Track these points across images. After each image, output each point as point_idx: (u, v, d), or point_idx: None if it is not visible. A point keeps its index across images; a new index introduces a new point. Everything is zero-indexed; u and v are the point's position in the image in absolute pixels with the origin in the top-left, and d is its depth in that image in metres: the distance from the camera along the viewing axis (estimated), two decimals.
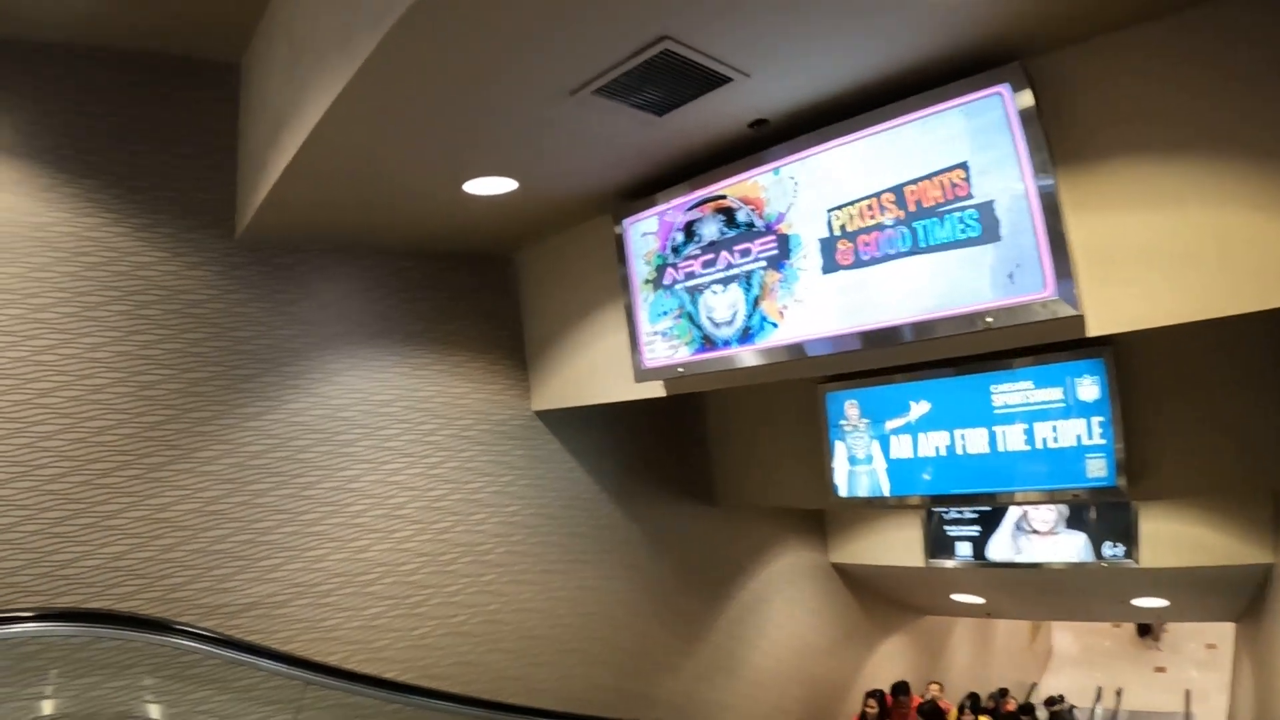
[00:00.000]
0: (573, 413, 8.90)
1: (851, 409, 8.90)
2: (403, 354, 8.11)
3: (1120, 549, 9.64)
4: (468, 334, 8.51)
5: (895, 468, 8.71)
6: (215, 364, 7.01)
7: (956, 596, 12.25)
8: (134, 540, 6.40)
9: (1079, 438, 7.76)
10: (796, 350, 5.93)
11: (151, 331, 6.70)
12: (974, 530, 10.32)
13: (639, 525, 9.57)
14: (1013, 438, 8.05)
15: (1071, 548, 9.89)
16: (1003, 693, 12.97)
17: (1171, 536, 9.43)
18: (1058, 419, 7.83)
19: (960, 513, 10.35)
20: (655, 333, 7.00)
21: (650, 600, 9.58)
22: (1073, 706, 16.04)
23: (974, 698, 11.70)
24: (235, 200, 7.15)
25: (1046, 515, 10.02)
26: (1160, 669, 20.29)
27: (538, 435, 8.81)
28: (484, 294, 8.67)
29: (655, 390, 7.38)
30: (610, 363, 7.66)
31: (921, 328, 5.24)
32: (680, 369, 6.82)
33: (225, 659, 6.28)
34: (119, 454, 6.44)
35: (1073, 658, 21.97)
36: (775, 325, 6.02)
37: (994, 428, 8.14)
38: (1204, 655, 19.82)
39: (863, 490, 8.95)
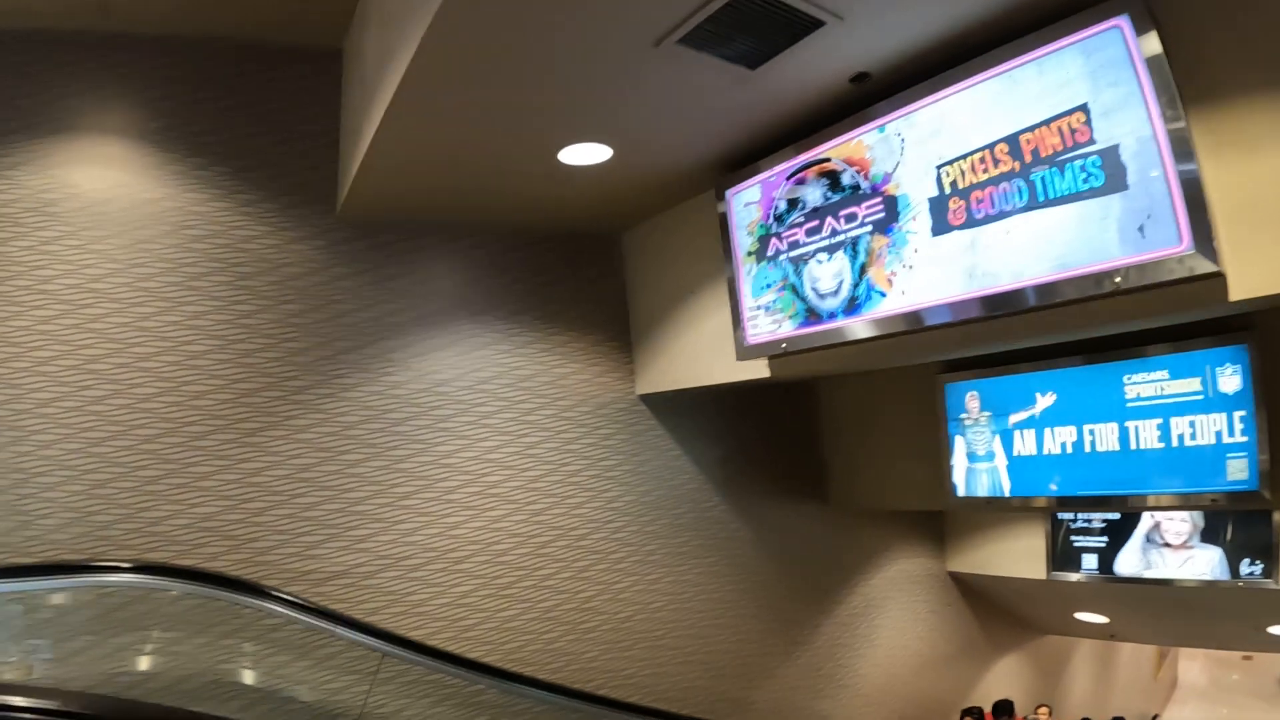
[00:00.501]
0: (679, 399, 8.24)
1: (972, 401, 8.00)
2: (504, 332, 7.61)
3: (1259, 567, 8.44)
4: (571, 314, 7.95)
5: (1018, 466, 7.75)
6: (314, 335, 6.77)
7: (1079, 615, 11.08)
8: (225, 502, 6.24)
9: (1219, 435, 6.69)
10: (908, 320, 5.16)
11: (251, 301, 6.54)
12: (1101, 541, 9.22)
13: (744, 521, 8.78)
14: (1146, 434, 7.03)
15: (1205, 564, 8.74)
16: None
17: None
18: (1196, 413, 6.78)
19: (1088, 521, 9.27)
20: (758, 307, 6.31)
21: (752, 600, 8.78)
22: None
23: None
24: (337, 179, 6.87)
25: (1180, 527, 8.87)
26: None
27: (641, 420, 8.16)
28: (589, 274, 8.09)
29: (759, 370, 6.66)
30: (714, 343, 6.97)
31: (1044, 290, 4.43)
32: (784, 344, 6.12)
33: (306, 625, 6.06)
34: (215, 418, 6.30)
35: (1199, 690, 19.96)
36: (883, 294, 5.31)
37: (1126, 423, 7.12)
38: None
39: (982, 490, 8.01)
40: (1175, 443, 6.86)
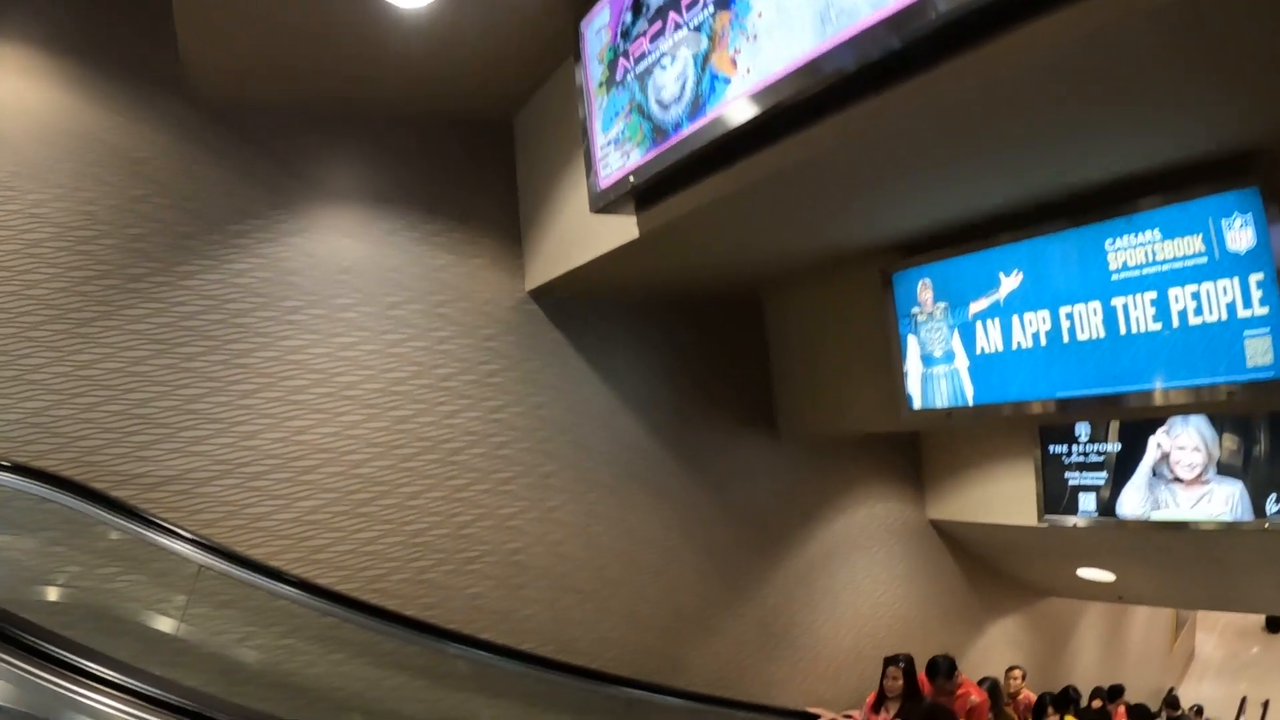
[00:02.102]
0: (588, 305, 6.07)
1: (925, 291, 5.53)
2: (370, 218, 5.50)
3: None
4: (451, 202, 5.72)
5: (982, 366, 5.27)
6: (155, 220, 5.02)
7: (1082, 572, 8.40)
8: (55, 396, 4.68)
9: (1231, 307, 4.22)
10: (757, 102, 3.31)
11: (94, 189, 4.88)
12: (1100, 478, 6.64)
13: (673, 450, 6.44)
14: (1138, 314, 4.54)
15: (1224, 501, 6.11)
16: (1114, 693, 8.68)
17: None
18: (1200, 281, 4.31)
19: (1084, 455, 6.68)
20: (608, 143, 4.23)
21: (686, 542, 6.44)
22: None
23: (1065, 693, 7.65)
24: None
25: (1193, 458, 6.26)
26: None
27: (533, 322, 5.91)
28: (473, 160, 5.83)
29: (626, 232, 4.58)
30: (584, 213, 4.69)
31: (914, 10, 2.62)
32: (631, 177, 4.05)
33: (134, 535, 4.52)
34: (48, 308, 4.73)
35: (1217, 664, 16.30)
36: (727, 80, 3.46)
37: (1112, 301, 4.64)
38: None
39: (942, 400, 5.51)
40: (1176, 322, 4.40)
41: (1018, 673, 6.94)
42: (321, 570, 5.03)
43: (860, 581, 7.38)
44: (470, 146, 5.76)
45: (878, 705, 5.20)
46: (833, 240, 5.29)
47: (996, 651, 8.59)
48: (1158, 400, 4.60)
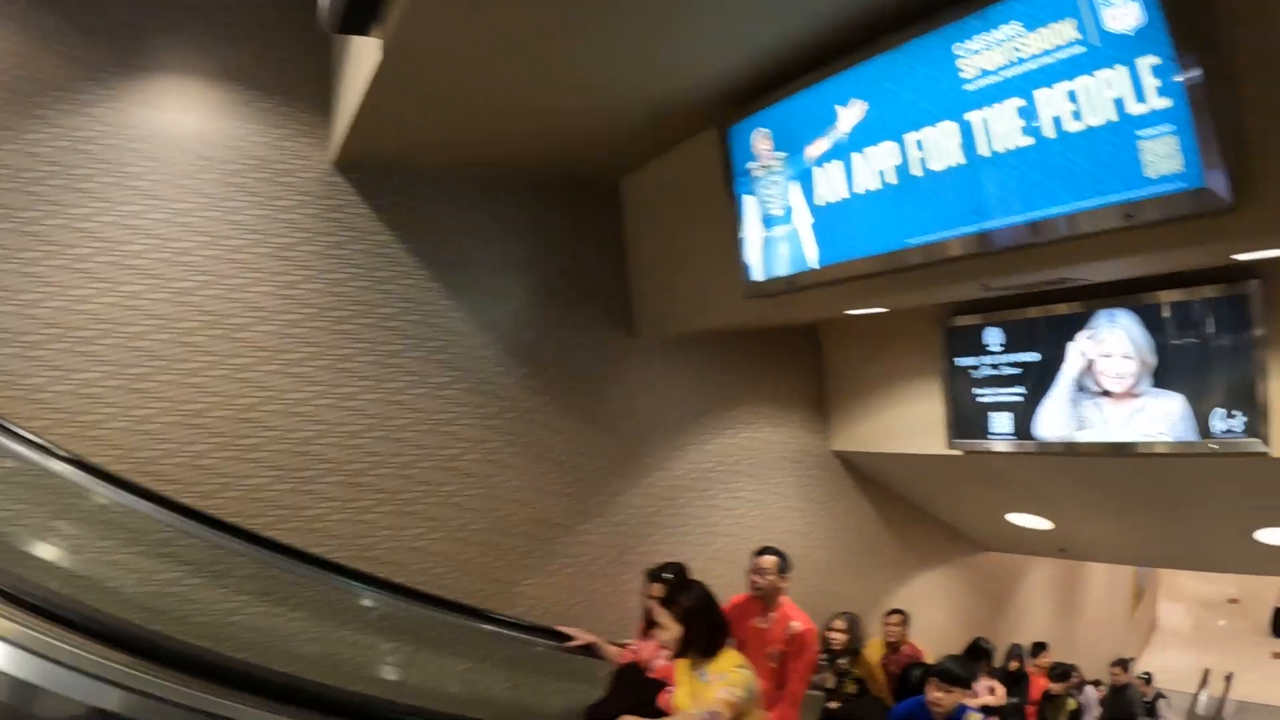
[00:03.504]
0: (402, 177, 4.67)
1: (762, 142, 4.04)
2: (171, 88, 4.25)
3: (1238, 420, 4.20)
4: (254, 70, 4.40)
5: (825, 219, 3.81)
6: None
7: (1014, 518, 6.72)
8: None
9: (1119, 104, 2.80)
10: None
11: None
12: (1015, 394, 5.03)
13: (506, 342, 4.98)
14: (1001, 128, 3.10)
15: (1162, 418, 4.47)
16: (1036, 648, 6.89)
17: None
18: (1075, 76, 2.89)
19: (996, 367, 5.06)
20: None
21: (517, 450, 4.95)
22: (1159, 693, 8.81)
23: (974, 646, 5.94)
24: None
25: (1122, 366, 4.63)
26: None
27: (339, 194, 4.54)
28: (288, 31, 4.45)
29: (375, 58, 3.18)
30: (364, 59, 3.47)
31: None
32: None
33: None
34: None
35: (1182, 635, 13.89)
36: None
37: (967, 116, 3.20)
38: None
39: (782, 267, 4.05)
40: (1050, 132, 2.99)
41: (896, 618, 5.23)
42: (95, 447, 3.80)
43: (745, 512, 5.78)
44: (281, 14, 4.45)
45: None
46: (638, 86, 3.89)
47: (925, 608, 6.89)
48: (1034, 235, 3.11)
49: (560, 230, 5.20)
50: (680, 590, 2.86)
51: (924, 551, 7.01)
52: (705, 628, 2.76)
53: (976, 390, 5.14)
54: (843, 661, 4.76)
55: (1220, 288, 4.14)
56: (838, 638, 4.76)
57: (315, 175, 4.42)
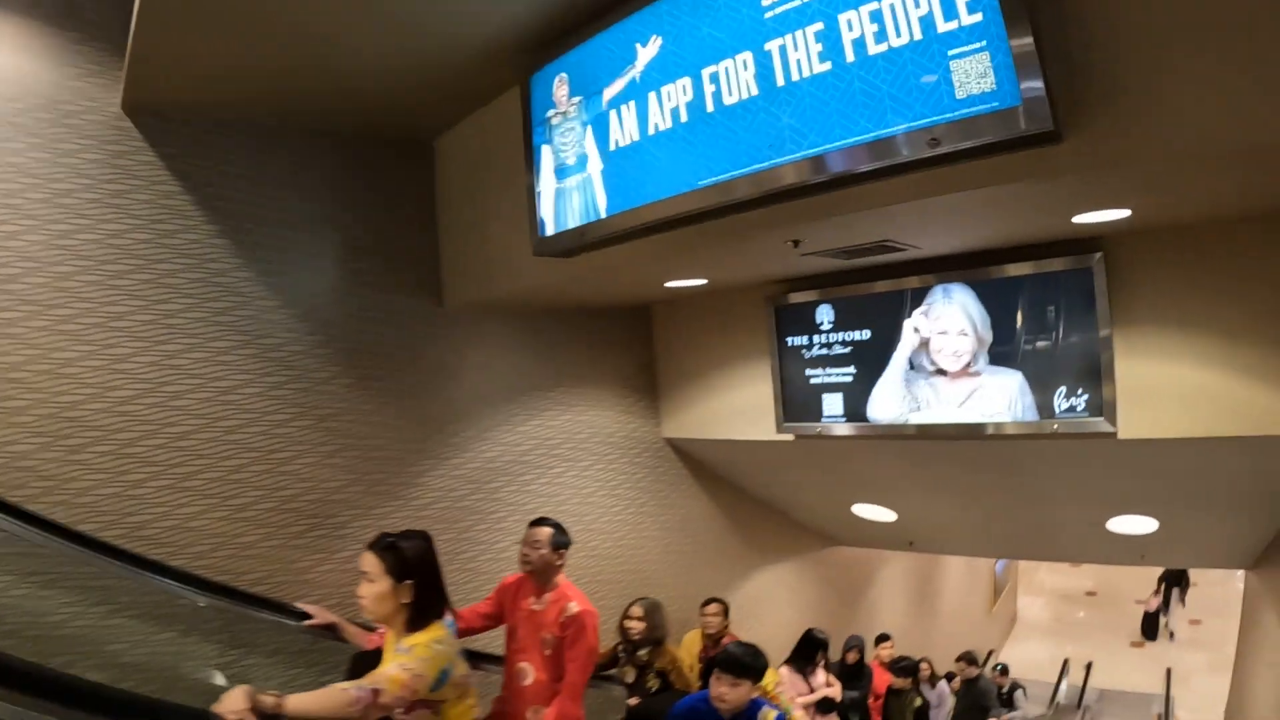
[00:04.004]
0: (201, 126, 3.78)
1: (560, 88, 3.33)
2: None
3: (1082, 399, 3.76)
4: None
5: (616, 164, 3.14)
6: None
7: (859, 510, 6.23)
8: None
9: (926, 22, 2.25)
10: None
11: None
12: (847, 374, 4.49)
13: (303, 307, 4.09)
14: (800, 55, 2.50)
15: (1000, 397, 3.99)
16: (878, 640, 6.69)
17: (1174, 380, 3.52)
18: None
19: (828, 346, 4.51)
20: None
21: (311, 424, 4.10)
22: (1016, 683, 8.60)
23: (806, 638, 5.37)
24: None
25: (959, 344, 4.13)
26: (1138, 644, 12.55)
27: (129, 140, 3.63)
28: None
29: None
30: None
31: None
32: None
33: None
34: None
35: (1043, 627, 13.89)
36: None
37: (766, 46, 2.58)
38: (1186, 632, 12.40)
39: (573, 218, 3.36)
40: (850, 55, 2.43)
41: (714, 608, 4.69)
42: None
43: (566, 499, 5.04)
44: None
45: None
46: (439, 28, 3.15)
47: (773, 606, 6.39)
48: (833, 168, 2.49)
49: (367, 191, 4.37)
50: (400, 538, 2.32)
51: (770, 546, 6.46)
52: (419, 589, 2.25)
53: (809, 371, 4.56)
54: (643, 654, 4.17)
55: (1062, 261, 3.69)
56: (635, 626, 4.17)
57: (103, 119, 3.48)
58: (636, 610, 4.21)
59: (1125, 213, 3.04)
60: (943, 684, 6.75)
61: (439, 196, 4.58)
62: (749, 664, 2.85)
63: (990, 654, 11.37)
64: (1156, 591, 12.59)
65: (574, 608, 3.13)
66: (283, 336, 4.03)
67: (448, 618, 2.38)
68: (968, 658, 6.85)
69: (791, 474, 5.50)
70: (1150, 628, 12.57)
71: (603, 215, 3.14)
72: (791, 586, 6.69)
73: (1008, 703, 8.43)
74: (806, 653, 5.00)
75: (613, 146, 3.09)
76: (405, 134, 4.46)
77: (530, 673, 3.19)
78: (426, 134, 4.54)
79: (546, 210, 3.40)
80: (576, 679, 3.09)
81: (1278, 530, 4.54)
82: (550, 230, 3.39)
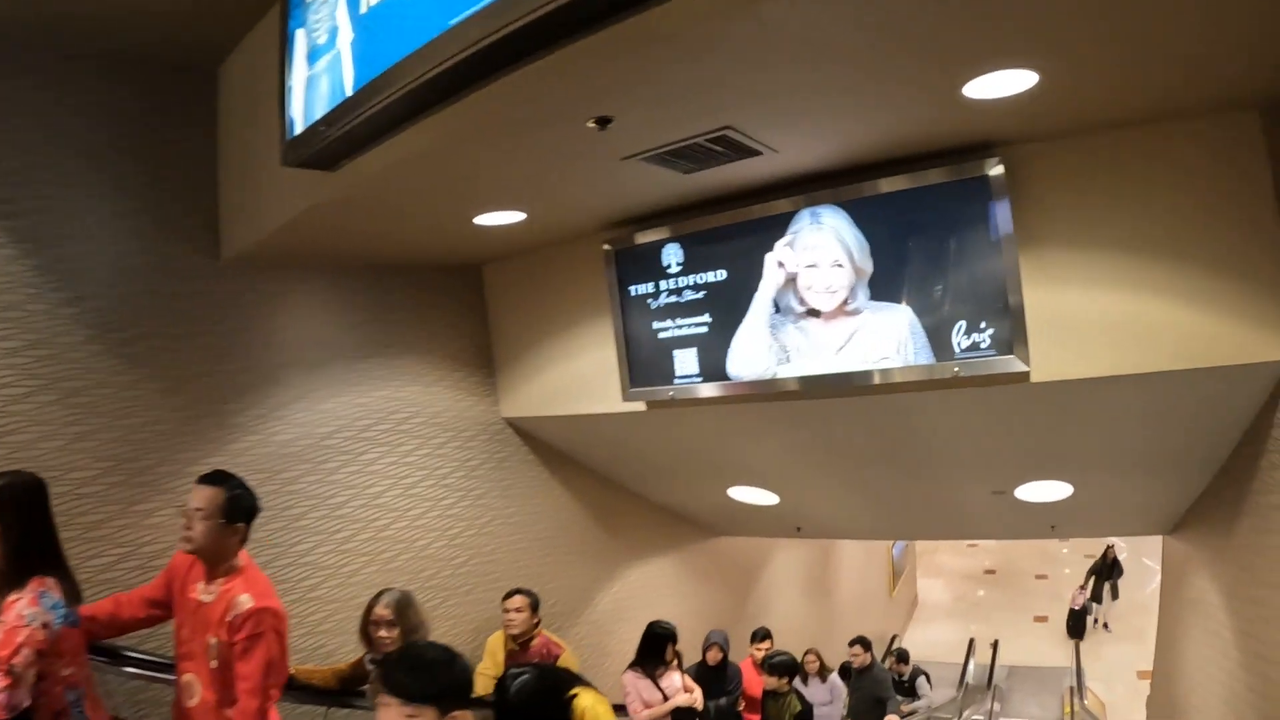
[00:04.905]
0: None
1: None
2: None
3: (985, 336, 3.06)
4: None
5: (366, 28, 2.16)
6: None
7: (736, 493, 5.47)
8: None
9: None
10: None
11: None
12: (700, 324, 3.67)
13: (48, 256, 3.03)
14: None
15: (888, 338, 3.26)
16: (757, 635, 5.81)
17: (1097, 309, 2.87)
18: None
19: (677, 294, 3.65)
20: None
21: (63, 402, 3.04)
22: (918, 669, 8.00)
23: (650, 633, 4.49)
24: None
25: (833, 277, 3.36)
26: (1041, 618, 12.35)
27: None
28: None
29: None
30: None
31: None
32: None
33: None
34: None
35: (944, 609, 13.55)
36: None
37: None
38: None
39: (320, 105, 2.39)
40: None
41: (518, 601, 3.70)
42: None
43: (382, 491, 4.02)
44: None
45: None
46: None
47: (652, 603, 5.54)
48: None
49: (140, 122, 3.32)
50: None
51: (644, 540, 5.62)
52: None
53: (657, 324, 3.72)
54: None
55: (952, 170, 2.97)
56: (386, 635, 2.91)
57: None
58: (384, 611, 2.92)
59: (1032, 78, 2.31)
60: (834, 677, 6.04)
61: (220, 130, 3.54)
62: (431, 677, 1.63)
63: (894, 638, 10.89)
64: (1083, 587, 11.67)
65: (245, 602, 2.18)
66: (21, 294, 2.97)
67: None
68: (862, 642, 6.17)
69: (652, 454, 4.64)
70: (1077, 627, 11.23)
71: (348, 93, 2.22)
72: (671, 583, 5.86)
73: (909, 692, 7.86)
74: (652, 649, 4.11)
75: (364, 9, 2.17)
76: (186, 58, 3.42)
77: (197, 688, 2.24)
78: (210, 60, 3.51)
79: (296, 108, 2.46)
80: (249, 706, 2.13)
81: (1203, 489, 3.97)
82: (299, 127, 2.44)
